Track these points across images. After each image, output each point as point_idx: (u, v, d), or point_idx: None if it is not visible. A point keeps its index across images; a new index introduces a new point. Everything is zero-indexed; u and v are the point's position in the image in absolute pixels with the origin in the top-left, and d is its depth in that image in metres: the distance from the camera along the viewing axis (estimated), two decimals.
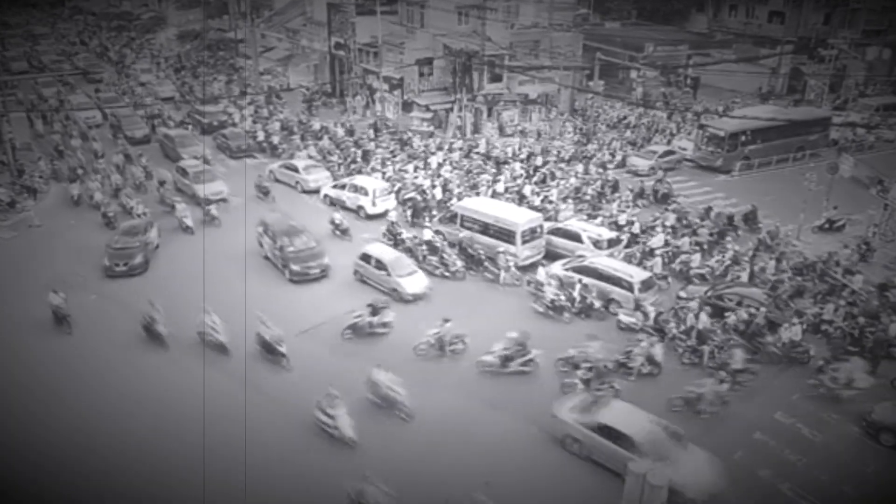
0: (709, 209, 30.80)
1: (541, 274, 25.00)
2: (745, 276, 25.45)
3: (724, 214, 30.31)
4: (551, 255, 27.16)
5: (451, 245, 27.72)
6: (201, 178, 31.90)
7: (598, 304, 23.74)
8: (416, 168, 35.81)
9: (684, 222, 29.74)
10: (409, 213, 30.79)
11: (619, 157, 38.69)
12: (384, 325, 22.37)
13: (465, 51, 41.78)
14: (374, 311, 22.34)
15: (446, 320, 21.42)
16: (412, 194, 31.91)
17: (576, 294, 23.81)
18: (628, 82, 53.39)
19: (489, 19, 42.94)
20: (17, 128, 40.46)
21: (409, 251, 27.10)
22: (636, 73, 52.11)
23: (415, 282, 24.88)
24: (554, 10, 46.81)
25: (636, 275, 24.14)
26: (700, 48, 55.67)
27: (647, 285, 23.97)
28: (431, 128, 43.24)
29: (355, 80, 49.38)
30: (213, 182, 32.76)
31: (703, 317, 22.03)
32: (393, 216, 30.09)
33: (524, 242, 26.48)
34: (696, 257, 26.87)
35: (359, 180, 32.96)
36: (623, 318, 23.19)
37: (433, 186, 32.71)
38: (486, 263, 26.31)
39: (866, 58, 50.55)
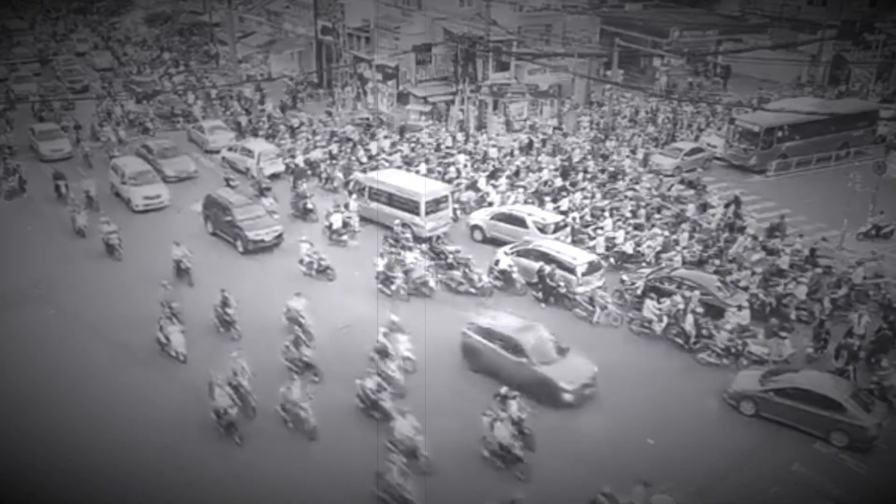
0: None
1: (648, 308, 23.93)
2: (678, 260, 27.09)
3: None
4: (497, 242, 28.66)
5: (420, 240, 28.73)
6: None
7: (711, 331, 22.67)
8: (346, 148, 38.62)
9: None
10: (291, 178, 34.57)
11: (640, 155, 38.89)
12: None
13: (468, 36, 42.04)
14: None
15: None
16: (295, 161, 35.98)
17: (687, 326, 22.83)
18: (651, 71, 53.63)
19: (495, 0, 43.19)
20: None
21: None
22: (660, 62, 52.36)
23: None
24: None
25: (580, 257, 25.83)
26: (731, 33, 55.89)
27: (592, 268, 25.58)
28: (429, 122, 43.50)
29: (345, 69, 49.68)
30: None
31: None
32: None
33: (428, 213, 29.01)
34: (620, 234, 28.75)
35: (248, 143, 37.81)
36: (755, 348, 22.14)
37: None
38: (574, 297, 25.00)
39: None
